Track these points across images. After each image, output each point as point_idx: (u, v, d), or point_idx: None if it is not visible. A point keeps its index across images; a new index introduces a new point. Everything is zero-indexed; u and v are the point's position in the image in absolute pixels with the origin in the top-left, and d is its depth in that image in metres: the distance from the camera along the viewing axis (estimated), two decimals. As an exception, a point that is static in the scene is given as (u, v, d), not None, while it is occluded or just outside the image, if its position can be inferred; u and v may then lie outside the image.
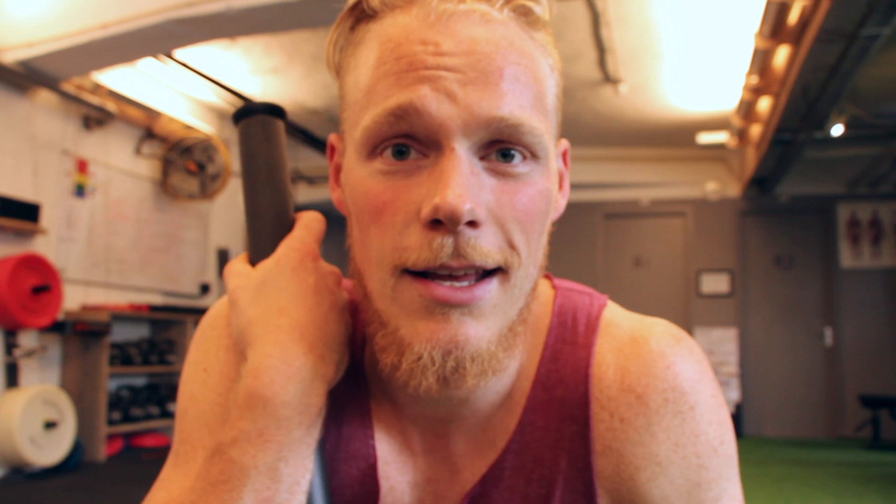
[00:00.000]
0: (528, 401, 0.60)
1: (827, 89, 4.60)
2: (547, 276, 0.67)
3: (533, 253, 0.55)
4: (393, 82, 0.52)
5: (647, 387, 0.58)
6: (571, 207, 8.00)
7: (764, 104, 5.67)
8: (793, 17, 4.19)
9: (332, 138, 0.63)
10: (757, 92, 5.38)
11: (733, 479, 0.60)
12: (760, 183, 7.32)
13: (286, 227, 0.61)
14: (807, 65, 4.34)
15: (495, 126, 0.51)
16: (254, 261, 0.60)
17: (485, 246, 0.51)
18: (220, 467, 0.51)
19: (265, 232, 0.61)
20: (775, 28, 4.35)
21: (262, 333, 0.55)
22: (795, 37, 4.33)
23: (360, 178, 0.54)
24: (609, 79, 5.63)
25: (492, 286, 0.52)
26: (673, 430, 0.58)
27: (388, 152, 0.53)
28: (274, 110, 0.64)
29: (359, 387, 0.64)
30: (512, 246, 0.53)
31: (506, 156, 0.53)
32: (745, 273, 7.67)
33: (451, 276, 0.51)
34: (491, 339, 0.53)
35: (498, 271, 0.53)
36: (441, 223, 0.50)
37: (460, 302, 0.51)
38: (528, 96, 0.53)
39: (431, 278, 0.52)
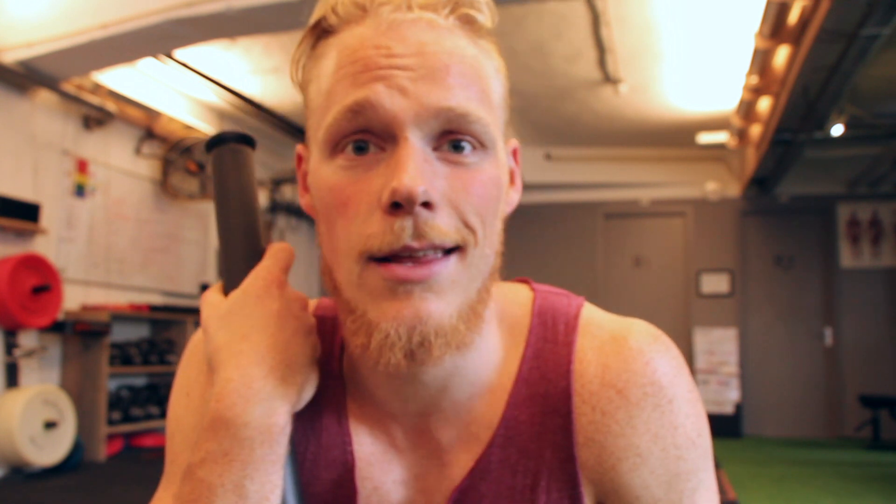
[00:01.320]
0: (511, 396, 0.63)
1: (827, 89, 4.60)
2: (525, 281, 0.71)
3: (488, 235, 0.58)
4: (350, 83, 0.56)
5: (628, 382, 0.61)
6: (571, 207, 8.05)
7: (764, 104, 5.66)
8: (793, 17, 4.19)
9: (299, 149, 0.67)
10: (757, 92, 5.37)
11: (709, 470, 0.63)
12: (760, 183, 7.32)
13: (256, 257, 0.64)
14: (807, 65, 4.34)
15: (444, 116, 0.55)
16: (227, 290, 0.63)
17: (442, 225, 0.54)
18: (191, 487, 0.54)
19: (237, 263, 0.64)
20: (775, 28, 4.35)
21: (226, 359, 0.58)
22: (795, 37, 4.33)
23: (325, 176, 0.58)
24: (609, 79, 5.63)
25: (449, 262, 0.56)
26: (652, 423, 0.61)
27: (349, 149, 0.56)
28: (244, 139, 0.67)
29: (336, 395, 0.66)
30: (468, 226, 0.56)
31: (457, 147, 0.56)
32: (745, 273, 7.67)
33: (413, 258, 0.54)
34: (452, 313, 0.56)
35: (456, 250, 0.56)
36: (400, 206, 0.53)
37: (420, 278, 0.54)
38: (474, 90, 0.57)
39: (394, 262, 0.55)
